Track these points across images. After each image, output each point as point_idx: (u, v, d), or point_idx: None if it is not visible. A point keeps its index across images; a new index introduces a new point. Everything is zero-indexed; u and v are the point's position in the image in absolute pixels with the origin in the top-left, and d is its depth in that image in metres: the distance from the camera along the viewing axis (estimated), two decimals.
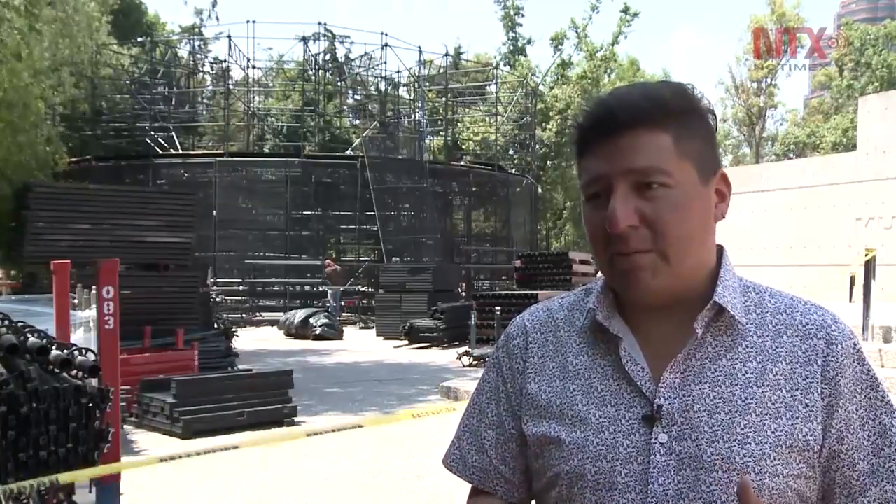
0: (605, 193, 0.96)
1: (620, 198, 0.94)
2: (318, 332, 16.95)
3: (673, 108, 0.97)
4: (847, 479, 0.97)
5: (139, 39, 30.16)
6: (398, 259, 22.92)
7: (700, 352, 0.98)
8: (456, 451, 1.14)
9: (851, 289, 11.67)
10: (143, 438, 7.11)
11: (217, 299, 18.24)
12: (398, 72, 30.60)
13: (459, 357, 12.43)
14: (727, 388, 0.96)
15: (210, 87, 32.64)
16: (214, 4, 37.26)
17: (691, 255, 0.97)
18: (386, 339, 16.66)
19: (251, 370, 9.29)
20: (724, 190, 1.02)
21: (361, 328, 20.21)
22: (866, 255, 8.37)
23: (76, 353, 3.43)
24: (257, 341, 16.01)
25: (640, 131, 0.95)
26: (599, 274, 1.07)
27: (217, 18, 37.33)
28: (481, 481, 1.11)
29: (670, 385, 0.97)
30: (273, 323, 19.66)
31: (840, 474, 0.97)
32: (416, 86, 29.86)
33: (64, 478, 2.86)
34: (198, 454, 3.08)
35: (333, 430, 3.58)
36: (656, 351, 0.99)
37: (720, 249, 1.04)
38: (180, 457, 3.11)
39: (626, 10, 35.71)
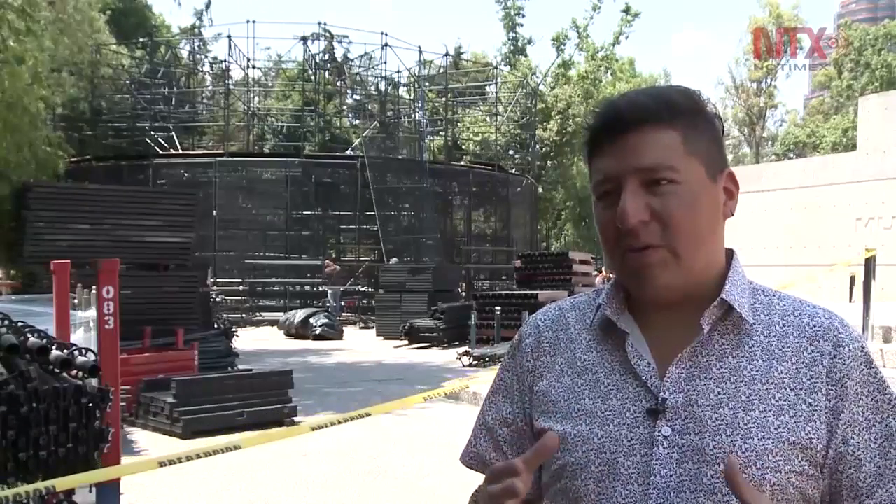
0: (616, 191, 0.98)
1: (630, 194, 0.96)
2: (318, 332, 16.92)
3: (680, 107, 0.99)
4: (853, 482, 0.96)
5: (140, 40, 30.12)
6: (398, 259, 22.89)
7: (706, 348, 0.99)
8: (473, 448, 1.16)
9: (851, 289, 11.68)
10: (143, 438, 7.11)
11: (217, 299, 18.22)
12: (398, 72, 30.62)
13: (459, 357, 12.41)
14: (732, 385, 0.97)
15: (210, 87, 32.61)
16: (208, 5, 37.23)
17: (701, 251, 0.99)
18: (386, 339, 16.63)
19: (251, 370, 9.28)
20: (732, 188, 1.04)
21: (361, 328, 20.17)
22: (866, 254, 8.35)
23: (76, 353, 3.43)
24: (257, 341, 15.99)
25: (647, 129, 0.97)
26: (599, 279, 1.07)
27: (210, 20, 37.27)
28: None
29: (675, 380, 0.98)
30: (273, 323, 19.63)
31: (846, 476, 0.96)
32: (416, 86, 29.85)
33: (60, 483, 2.84)
34: (198, 457, 3.04)
35: (339, 422, 3.58)
36: (663, 348, 1.00)
37: (730, 253, 1.06)
38: (179, 460, 3.08)
39: (627, 11, 35.76)
